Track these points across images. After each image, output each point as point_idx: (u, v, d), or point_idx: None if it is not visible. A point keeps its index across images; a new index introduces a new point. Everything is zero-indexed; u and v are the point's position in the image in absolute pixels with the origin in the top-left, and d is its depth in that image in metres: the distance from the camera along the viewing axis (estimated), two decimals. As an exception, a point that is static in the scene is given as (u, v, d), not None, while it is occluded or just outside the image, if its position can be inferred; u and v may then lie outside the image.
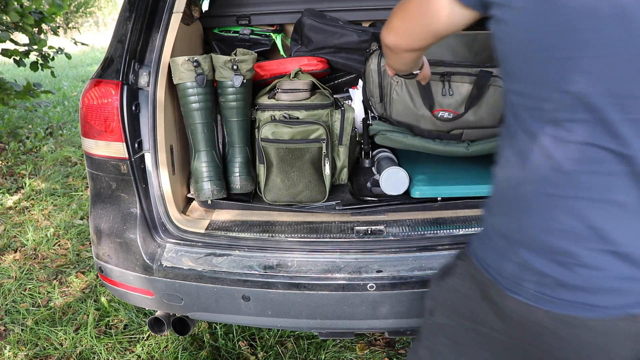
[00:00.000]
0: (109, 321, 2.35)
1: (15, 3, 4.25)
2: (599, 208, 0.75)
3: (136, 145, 1.64)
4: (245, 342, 2.17)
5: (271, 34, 2.46)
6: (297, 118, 1.94)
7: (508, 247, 0.84)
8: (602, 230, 0.74)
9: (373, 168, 2.08)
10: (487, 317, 0.90)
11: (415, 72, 1.35)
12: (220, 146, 2.10)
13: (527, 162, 0.80)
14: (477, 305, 0.92)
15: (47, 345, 2.21)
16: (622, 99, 0.71)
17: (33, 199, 3.72)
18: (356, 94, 2.25)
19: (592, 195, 0.75)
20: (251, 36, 2.44)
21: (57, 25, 4.93)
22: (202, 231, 1.72)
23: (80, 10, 18.17)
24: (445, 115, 1.87)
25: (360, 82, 2.20)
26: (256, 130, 2.02)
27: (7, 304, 2.51)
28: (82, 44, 5.15)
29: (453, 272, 1.01)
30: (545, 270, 0.79)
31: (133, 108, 1.63)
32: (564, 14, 0.70)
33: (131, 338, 2.24)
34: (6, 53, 4.43)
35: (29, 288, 2.64)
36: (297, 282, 1.53)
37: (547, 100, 0.75)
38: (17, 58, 4.51)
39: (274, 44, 2.46)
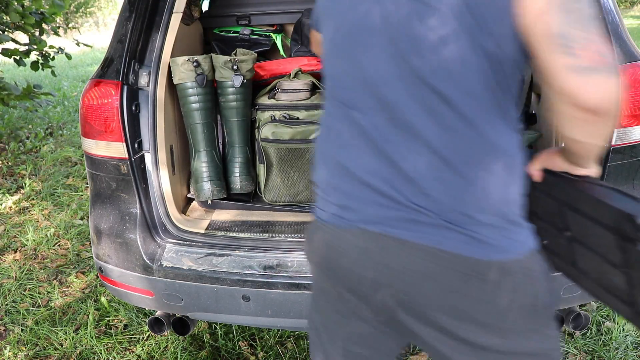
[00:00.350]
0: (109, 321, 2.35)
1: (16, 3, 4.25)
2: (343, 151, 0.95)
3: (136, 145, 1.64)
4: (245, 342, 2.17)
5: (271, 34, 2.46)
6: (297, 118, 1.95)
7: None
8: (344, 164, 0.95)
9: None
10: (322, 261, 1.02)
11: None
12: (220, 146, 2.10)
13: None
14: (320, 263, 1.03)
15: (47, 346, 2.21)
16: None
17: (33, 199, 3.72)
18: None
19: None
20: (251, 36, 2.44)
21: (57, 25, 4.92)
22: (202, 231, 1.72)
23: (80, 11, 18.19)
24: None
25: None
26: (256, 130, 2.03)
27: (7, 304, 2.51)
28: (85, 44, 5.14)
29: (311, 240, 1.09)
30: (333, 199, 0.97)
31: (133, 108, 1.63)
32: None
33: (131, 338, 2.24)
34: (7, 52, 4.43)
35: (29, 288, 2.64)
36: (297, 282, 1.53)
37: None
38: (18, 58, 4.51)
39: (274, 44, 2.46)
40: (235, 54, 1.97)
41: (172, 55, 1.77)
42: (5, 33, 4.30)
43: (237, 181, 1.99)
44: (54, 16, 4.58)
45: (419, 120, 0.85)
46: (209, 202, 1.92)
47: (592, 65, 0.70)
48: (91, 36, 15.44)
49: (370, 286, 0.92)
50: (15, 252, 3.02)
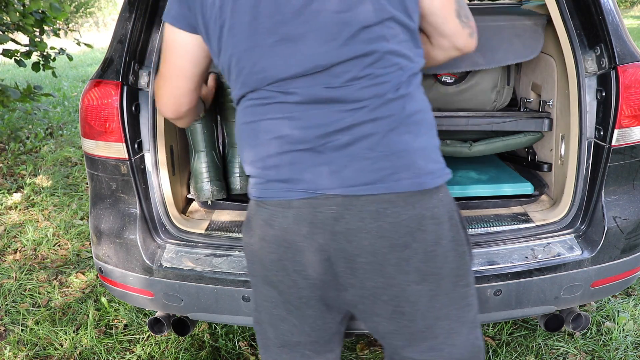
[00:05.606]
0: (109, 321, 2.35)
1: (17, 3, 4.24)
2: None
3: (136, 145, 1.64)
4: (245, 342, 2.17)
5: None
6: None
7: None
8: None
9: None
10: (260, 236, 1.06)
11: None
12: (220, 147, 2.10)
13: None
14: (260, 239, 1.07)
15: (47, 346, 2.21)
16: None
17: (33, 199, 3.72)
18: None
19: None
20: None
21: (58, 27, 4.92)
22: (202, 232, 1.72)
23: (81, 11, 18.18)
24: (448, 79, 2.06)
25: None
26: (256, 130, 2.02)
27: (7, 304, 2.51)
28: (85, 44, 5.14)
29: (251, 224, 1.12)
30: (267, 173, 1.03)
31: (133, 109, 1.63)
32: None
33: (131, 338, 2.24)
34: (7, 53, 4.43)
35: (29, 288, 2.64)
36: (297, 282, 1.53)
37: None
38: (18, 58, 4.51)
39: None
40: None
41: None
42: (6, 33, 4.29)
43: (237, 181, 1.99)
44: (54, 20, 4.58)
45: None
46: (209, 202, 1.92)
47: (474, 30, 1.16)
48: (91, 36, 15.44)
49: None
50: (15, 252, 3.02)
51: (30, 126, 5.50)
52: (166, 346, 2.18)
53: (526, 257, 1.54)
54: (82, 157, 3.93)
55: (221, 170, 1.97)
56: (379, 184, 0.95)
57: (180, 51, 1.10)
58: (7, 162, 4.42)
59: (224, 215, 1.88)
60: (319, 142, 0.97)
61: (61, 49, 4.81)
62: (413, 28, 1.03)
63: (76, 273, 2.76)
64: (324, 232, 0.97)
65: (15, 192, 3.85)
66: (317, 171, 0.97)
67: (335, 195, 0.96)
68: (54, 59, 4.80)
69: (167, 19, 1.09)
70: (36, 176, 4.11)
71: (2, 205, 3.59)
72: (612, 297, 2.37)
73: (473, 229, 1.65)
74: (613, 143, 1.52)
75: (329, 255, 0.99)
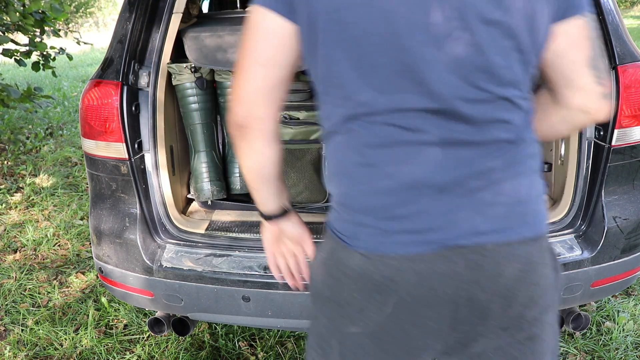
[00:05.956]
0: (109, 321, 2.35)
1: (17, 3, 4.25)
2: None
3: (136, 145, 1.64)
4: (245, 342, 2.17)
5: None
6: (298, 119, 1.94)
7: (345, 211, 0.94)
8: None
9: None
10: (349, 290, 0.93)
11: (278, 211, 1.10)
12: (220, 146, 2.10)
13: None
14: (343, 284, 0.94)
15: (47, 346, 2.21)
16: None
17: (33, 199, 3.72)
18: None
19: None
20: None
21: (58, 28, 4.92)
22: (202, 232, 1.72)
23: (81, 11, 18.19)
24: None
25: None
26: (256, 130, 2.02)
27: (7, 304, 2.51)
28: (85, 42, 5.14)
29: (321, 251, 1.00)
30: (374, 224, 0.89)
31: (133, 109, 1.63)
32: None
33: (131, 338, 2.24)
34: (7, 53, 4.43)
35: (29, 288, 2.64)
36: (297, 282, 1.53)
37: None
38: (18, 58, 4.51)
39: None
40: (235, 54, 1.97)
41: (171, 57, 1.77)
42: (6, 34, 4.29)
43: (237, 181, 1.99)
44: (55, 20, 4.58)
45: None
46: (209, 202, 1.92)
47: (609, 92, 0.93)
48: (91, 36, 15.45)
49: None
50: (15, 252, 3.02)
51: (30, 126, 5.50)
52: (166, 346, 2.18)
53: (526, 257, 1.54)
54: (82, 157, 3.93)
55: (221, 170, 1.97)
56: (509, 231, 0.90)
57: (273, 41, 0.89)
58: (7, 162, 4.42)
59: (224, 215, 1.88)
60: (452, 188, 0.87)
61: (61, 48, 4.81)
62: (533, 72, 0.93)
63: (76, 273, 2.76)
64: (458, 283, 0.89)
65: (16, 192, 3.85)
66: (451, 219, 0.88)
67: (470, 245, 0.88)
68: (54, 59, 4.80)
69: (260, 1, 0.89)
70: (36, 176, 4.11)
71: (2, 205, 3.59)
72: (612, 297, 2.37)
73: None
74: (613, 143, 1.52)
75: (459, 307, 0.91)
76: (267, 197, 1.05)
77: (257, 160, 0.98)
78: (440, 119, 0.85)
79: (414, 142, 0.86)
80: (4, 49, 4.42)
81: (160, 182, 1.69)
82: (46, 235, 3.15)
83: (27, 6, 4.36)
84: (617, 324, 2.18)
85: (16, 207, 3.59)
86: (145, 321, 2.29)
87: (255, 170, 1.00)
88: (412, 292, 0.89)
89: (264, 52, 0.89)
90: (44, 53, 4.70)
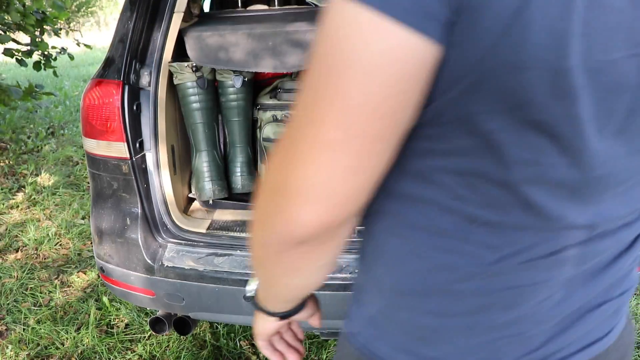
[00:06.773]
0: (110, 321, 2.35)
1: (17, 2, 4.25)
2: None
3: (137, 145, 1.64)
4: (246, 341, 2.17)
5: (272, 33, 2.45)
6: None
7: None
8: None
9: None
10: None
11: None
12: (222, 146, 2.10)
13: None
14: None
15: (48, 345, 2.21)
16: None
17: (35, 198, 3.72)
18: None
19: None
20: (252, 36, 2.43)
21: (59, 27, 4.92)
22: (204, 231, 1.72)
23: (82, 10, 18.19)
24: None
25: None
26: (257, 129, 2.02)
27: (8, 304, 2.51)
28: (85, 45, 5.13)
29: None
30: None
31: (134, 108, 1.63)
32: None
33: (132, 338, 2.24)
34: (8, 52, 4.43)
35: (31, 287, 2.64)
36: (298, 282, 1.53)
37: None
38: (20, 58, 4.51)
39: (276, 43, 2.45)
40: (236, 54, 1.96)
41: (172, 57, 1.77)
42: (7, 33, 4.30)
43: (239, 181, 1.99)
44: (56, 19, 4.58)
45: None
46: (211, 201, 1.92)
47: None
48: (92, 36, 15.46)
49: None
50: (17, 251, 3.02)
51: (31, 125, 5.51)
52: (167, 345, 2.18)
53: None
54: (84, 157, 3.93)
55: (222, 169, 1.97)
56: (612, 333, 0.78)
57: (404, 76, 0.43)
58: (9, 162, 4.42)
59: (226, 215, 1.88)
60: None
61: (62, 48, 4.81)
62: None
63: (77, 272, 2.76)
64: None
65: (17, 191, 3.85)
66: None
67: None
68: (55, 59, 4.81)
69: (388, 9, 0.40)
70: (38, 175, 4.12)
71: (3, 204, 3.59)
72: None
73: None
74: None
75: None
76: (287, 302, 0.73)
77: (318, 276, 0.61)
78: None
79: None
80: (5, 49, 4.42)
81: (162, 181, 1.69)
82: (47, 234, 3.15)
83: (27, 5, 4.37)
84: (619, 323, 2.18)
85: (18, 206, 3.59)
86: (146, 320, 2.30)
87: (308, 289, 0.68)
88: None
89: (388, 111, 0.44)
90: (46, 53, 4.70)
